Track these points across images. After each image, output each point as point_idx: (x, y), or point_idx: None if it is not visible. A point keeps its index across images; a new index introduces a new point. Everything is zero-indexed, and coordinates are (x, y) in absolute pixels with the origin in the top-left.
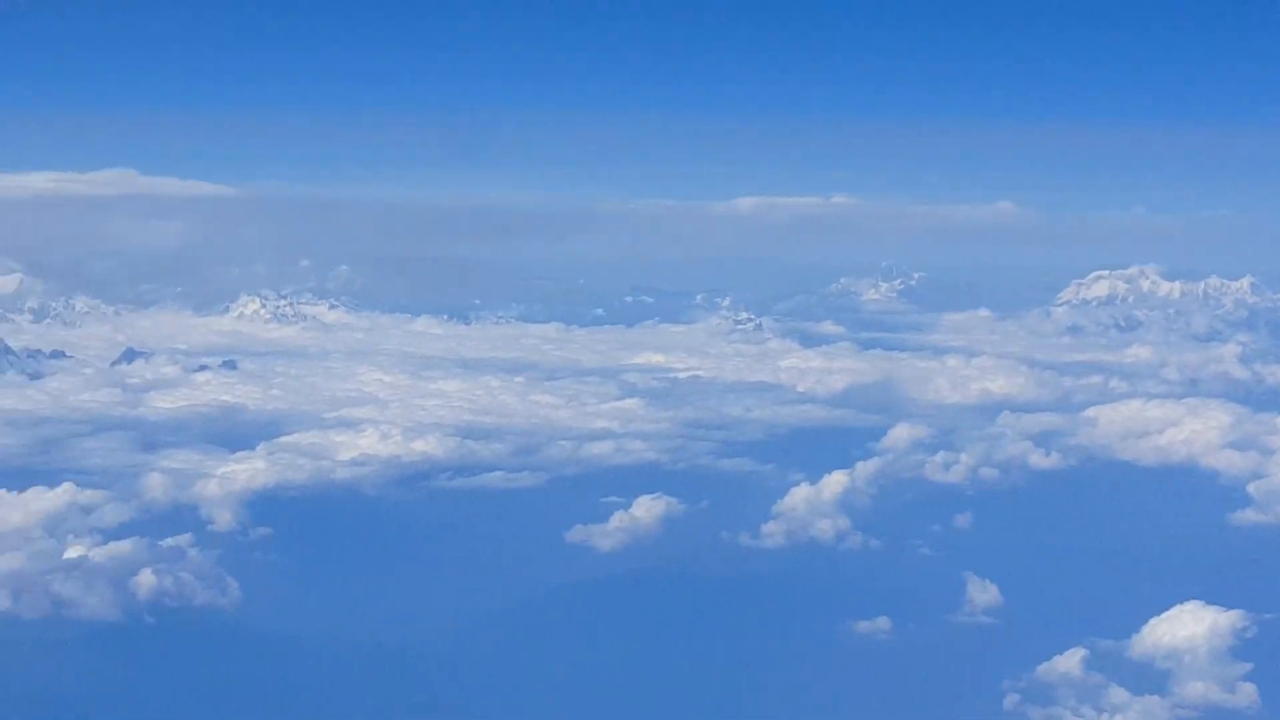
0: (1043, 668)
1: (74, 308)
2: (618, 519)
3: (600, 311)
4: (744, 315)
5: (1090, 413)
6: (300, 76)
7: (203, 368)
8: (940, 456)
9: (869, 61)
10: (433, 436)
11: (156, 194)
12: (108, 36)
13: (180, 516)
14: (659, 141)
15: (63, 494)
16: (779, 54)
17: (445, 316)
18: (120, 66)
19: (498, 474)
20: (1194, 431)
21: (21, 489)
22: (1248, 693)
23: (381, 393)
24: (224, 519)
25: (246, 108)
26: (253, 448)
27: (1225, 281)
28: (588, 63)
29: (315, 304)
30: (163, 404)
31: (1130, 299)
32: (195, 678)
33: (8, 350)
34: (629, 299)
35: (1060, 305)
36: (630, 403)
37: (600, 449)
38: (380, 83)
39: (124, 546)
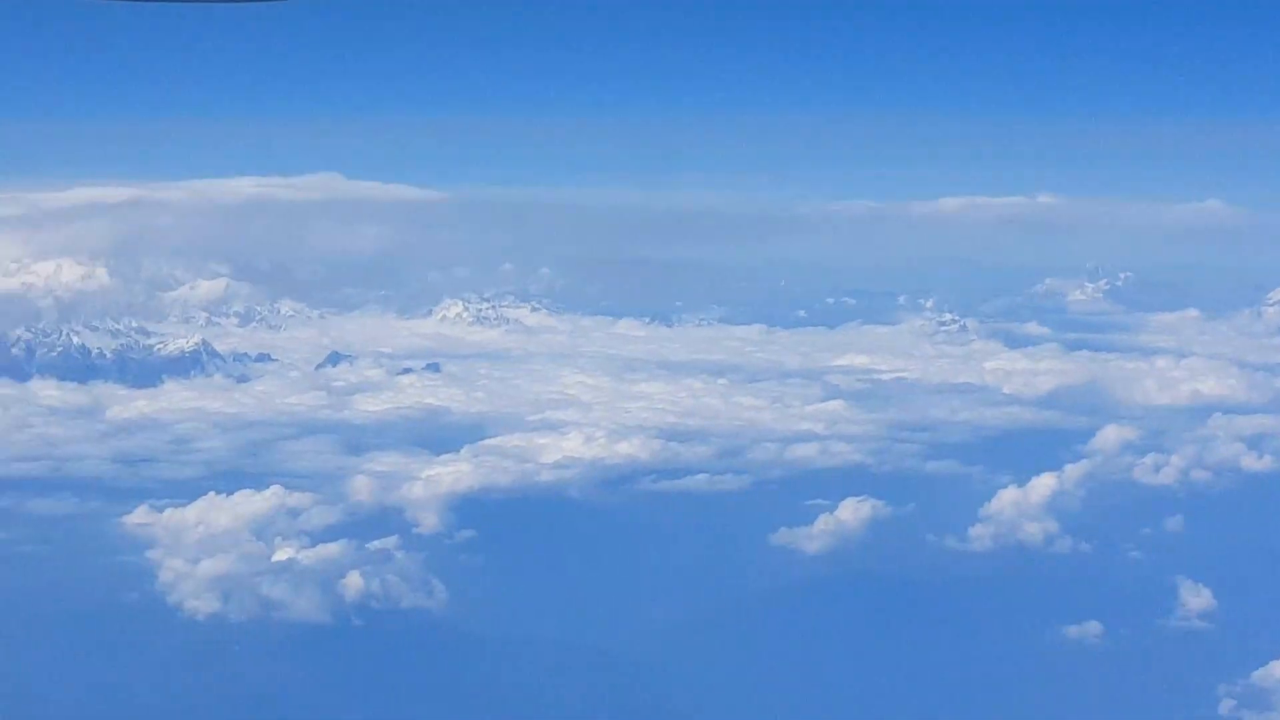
0: (1259, 673)
1: (279, 311)
2: (823, 522)
3: (802, 313)
4: (948, 316)
5: None
6: (499, 80)
7: (407, 370)
8: (1150, 459)
9: (1073, 60)
10: (637, 439)
11: (360, 198)
12: (309, 44)
13: (386, 519)
14: (860, 142)
15: (271, 497)
16: (981, 53)
17: (647, 319)
18: (322, 73)
19: (702, 477)
20: None
21: (230, 492)
22: None
23: (584, 395)
24: (429, 521)
25: (448, 111)
26: (457, 450)
27: None
28: (788, 64)
29: (518, 307)
30: (368, 407)
31: None
32: (403, 680)
33: (215, 354)
34: (831, 300)
35: (1271, 305)
36: (834, 405)
37: (805, 451)
38: (581, 86)
39: (332, 549)
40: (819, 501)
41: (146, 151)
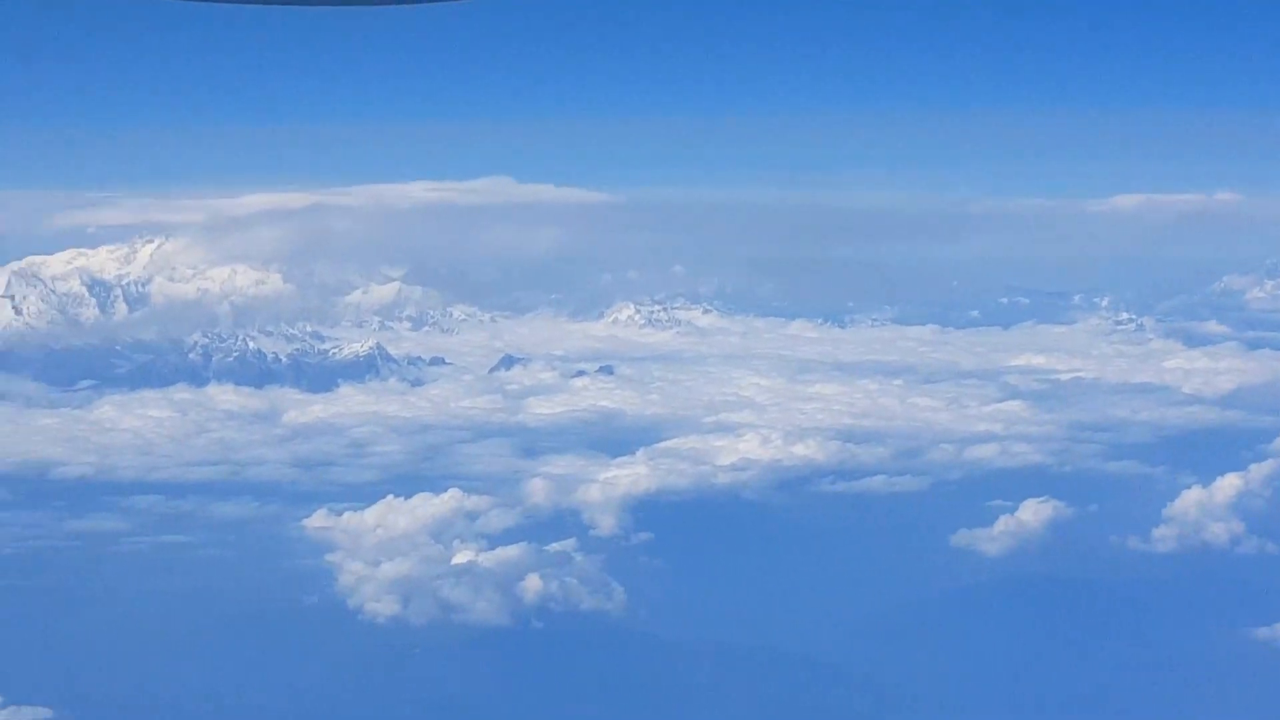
0: None
1: (451, 315)
2: (1003, 523)
3: (975, 313)
4: (1124, 315)
5: None
6: (668, 81)
7: (580, 373)
8: None
9: (1253, 52)
10: (813, 440)
11: (532, 201)
12: (481, 46)
13: (563, 521)
14: (1033, 139)
15: (449, 500)
16: (1157, 46)
17: (820, 320)
18: (494, 76)
19: (880, 478)
20: None
21: (409, 495)
22: None
23: (759, 397)
24: (606, 524)
25: (618, 114)
26: (632, 453)
27: None
28: (960, 62)
29: (689, 309)
30: (542, 410)
31: None
32: (584, 682)
33: (389, 358)
34: (1004, 300)
35: None
36: (1012, 405)
37: (983, 452)
38: (751, 86)
39: (512, 552)
40: (999, 503)
41: (322, 158)
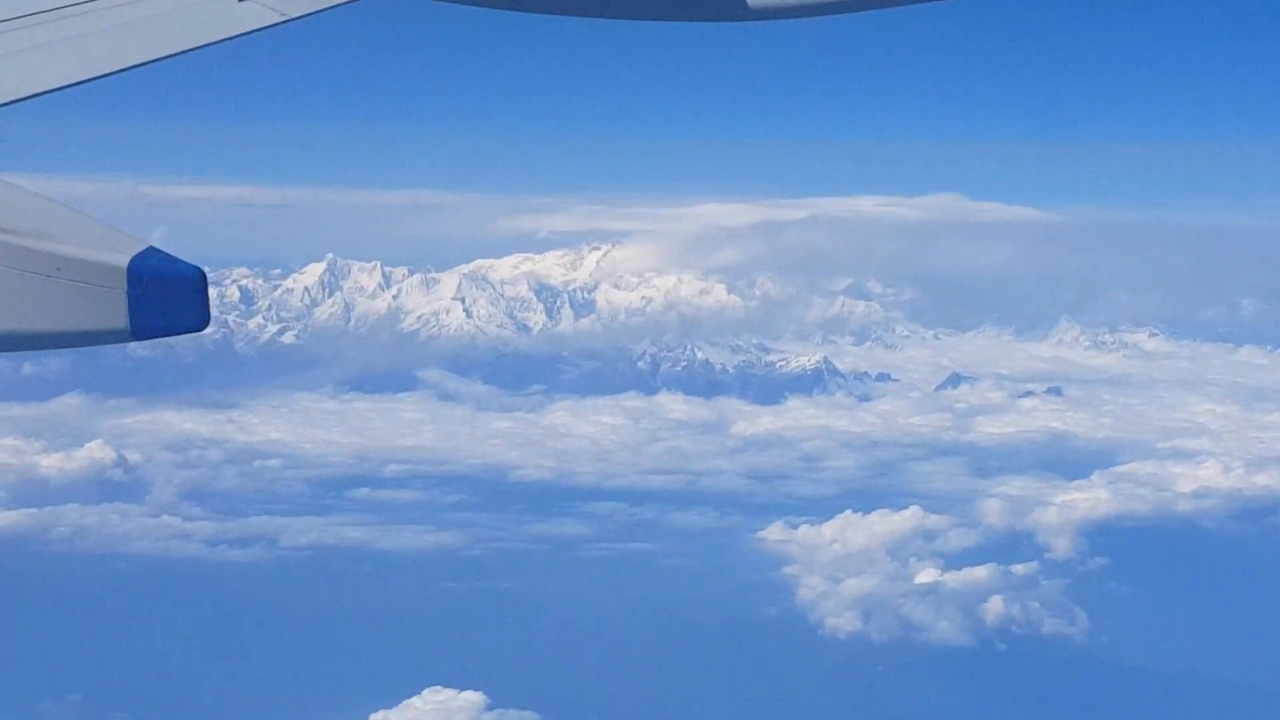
0: None
1: (894, 331)
2: None
3: None
4: None
5: None
6: (1119, 103)
7: (1028, 394)
8: None
9: None
10: (1275, 470)
11: (980, 219)
12: (931, 61)
13: (1018, 544)
14: None
15: (909, 517)
16: None
17: (1269, 346)
18: (946, 95)
19: None
20: None
21: (866, 511)
22: None
23: (1214, 423)
24: (1061, 547)
25: (1068, 135)
26: (1087, 476)
27: None
28: None
29: (1134, 331)
30: (991, 429)
31: None
32: (1047, 708)
33: (836, 372)
34: None
35: None
36: None
37: None
38: (1195, 109)
39: (978, 573)
40: None
41: (771, 170)
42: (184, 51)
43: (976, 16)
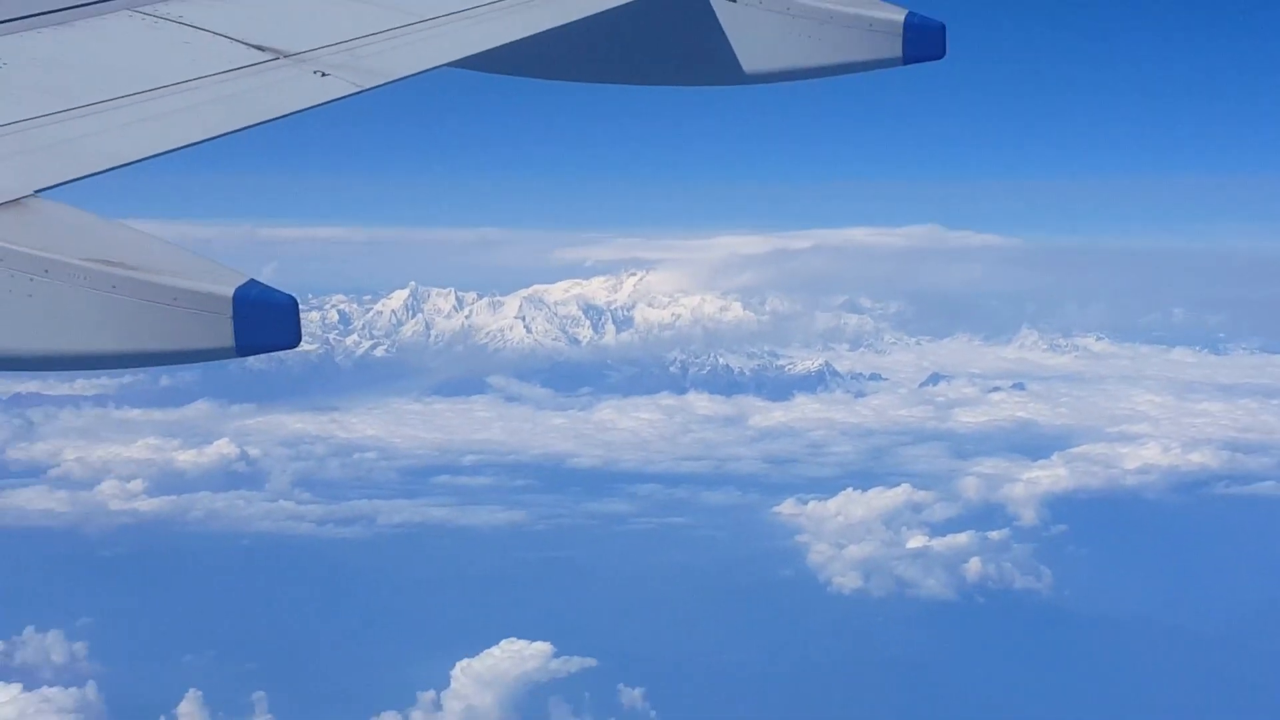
0: None
1: (883, 339)
2: None
3: None
4: None
5: None
6: (1078, 141)
7: (996, 389)
8: None
9: None
10: (1206, 449)
11: (956, 245)
12: (907, 112)
13: (992, 514)
14: None
15: (900, 494)
16: None
17: (1197, 347)
18: (927, 140)
19: (1269, 483)
20: None
21: (864, 488)
22: None
23: (1153, 411)
24: (1028, 516)
25: (1029, 173)
26: (1048, 456)
27: None
28: None
29: (1084, 336)
30: (967, 419)
31: None
32: (1020, 650)
33: (835, 373)
34: None
35: None
36: None
37: None
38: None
39: (959, 539)
40: None
41: (778, 208)
42: (273, 120)
43: (952, 75)
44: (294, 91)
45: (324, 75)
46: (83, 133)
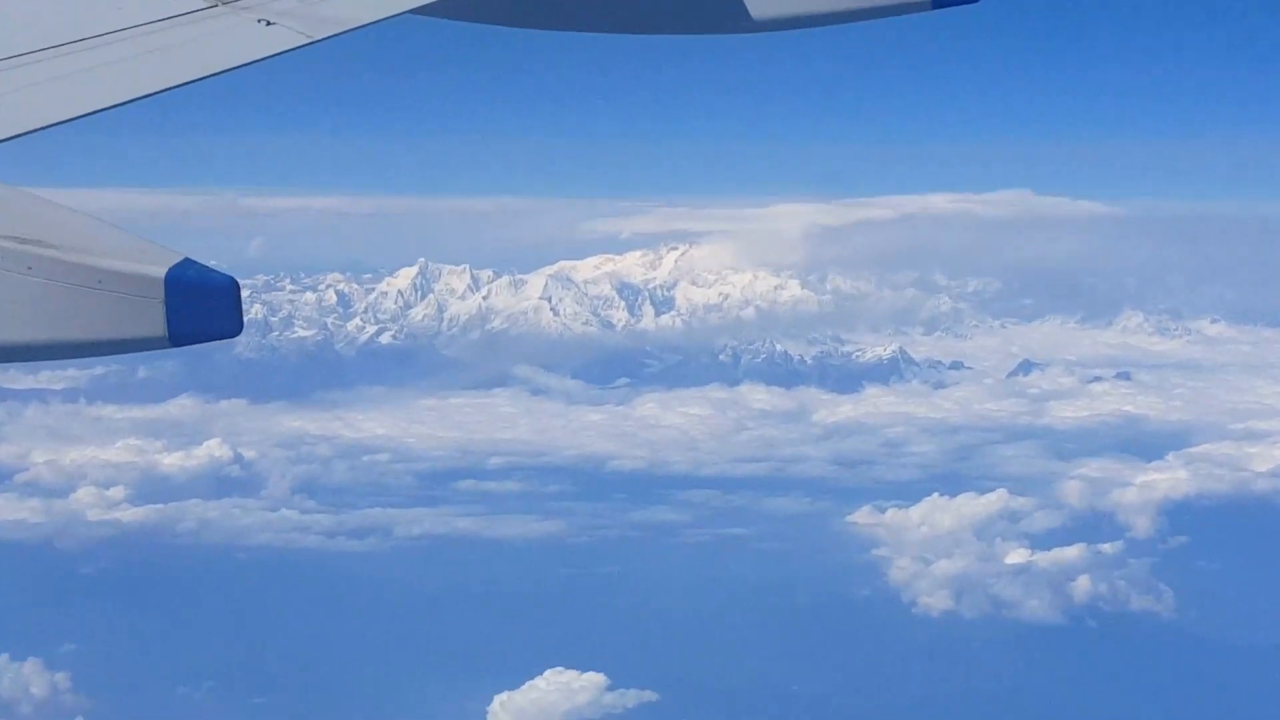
0: None
1: (963, 321)
2: None
3: None
4: None
5: None
6: (1180, 98)
7: (1096, 379)
8: None
9: None
10: None
11: (1048, 213)
12: (1001, 58)
13: (1101, 524)
14: None
15: (995, 500)
16: None
17: None
18: (1015, 90)
19: None
20: None
21: (952, 494)
22: None
23: None
24: (1143, 526)
25: (1130, 130)
26: (1163, 457)
27: None
28: None
29: (1196, 318)
30: (1065, 413)
31: None
32: (1138, 681)
33: (911, 361)
34: None
35: None
36: None
37: None
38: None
39: (1066, 553)
40: None
41: (844, 169)
42: (213, 75)
43: (1045, 20)
44: (234, 43)
45: (269, 24)
46: None
